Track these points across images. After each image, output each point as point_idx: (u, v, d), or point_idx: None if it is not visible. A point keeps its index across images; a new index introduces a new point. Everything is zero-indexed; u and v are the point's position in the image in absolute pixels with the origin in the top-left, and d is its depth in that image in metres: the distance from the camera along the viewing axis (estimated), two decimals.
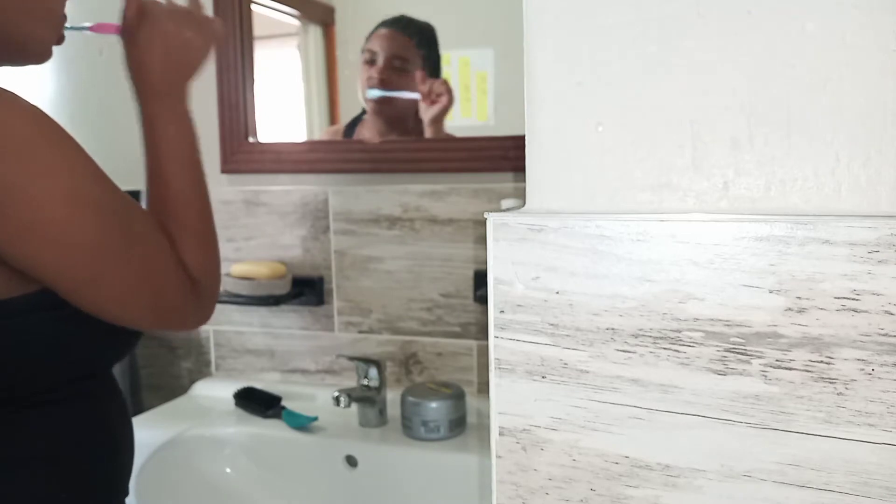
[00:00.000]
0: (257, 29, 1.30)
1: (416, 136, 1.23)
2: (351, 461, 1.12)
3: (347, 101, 1.29)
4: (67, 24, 0.72)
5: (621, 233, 0.40)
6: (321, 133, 1.32)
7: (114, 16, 0.76)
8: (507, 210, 0.44)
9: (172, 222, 0.71)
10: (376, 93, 1.23)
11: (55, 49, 0.71)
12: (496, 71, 1.19)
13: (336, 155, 1.26)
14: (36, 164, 0.56)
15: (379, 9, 1.23)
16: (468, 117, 1.22)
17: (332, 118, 1.32)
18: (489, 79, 1.20)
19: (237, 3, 1.27)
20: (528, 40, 0.43)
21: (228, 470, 1.18)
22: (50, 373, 0.64)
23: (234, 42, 1.28)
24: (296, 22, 1.34)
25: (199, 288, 0.71)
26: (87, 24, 0.77)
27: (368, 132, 1.26)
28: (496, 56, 1.19)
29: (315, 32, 1.32)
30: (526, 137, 0.44)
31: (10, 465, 0.63)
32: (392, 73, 1.23)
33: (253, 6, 1.29)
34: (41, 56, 0.70)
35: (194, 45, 0.74)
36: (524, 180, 0.44)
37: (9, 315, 0.60)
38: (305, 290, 1.28)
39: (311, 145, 1.29)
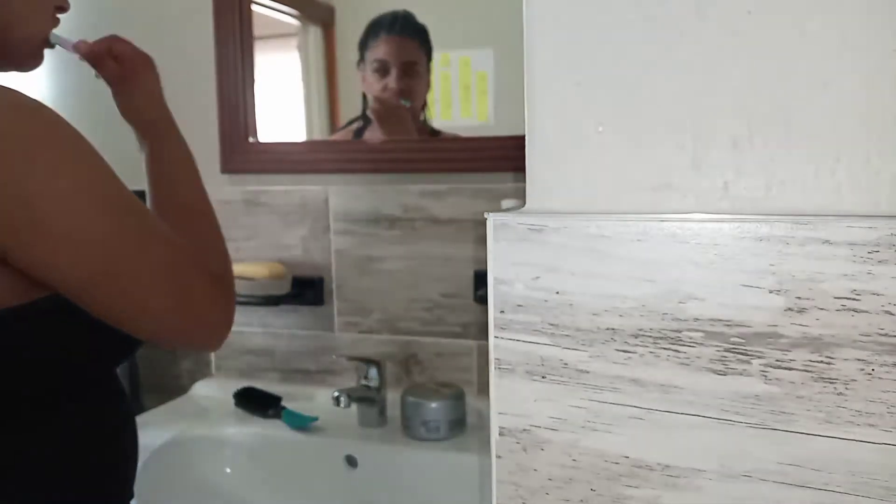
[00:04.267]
0: (257, 29, 1.30)
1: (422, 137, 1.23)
2: (351, 461, 1.12)
3: (347, 101, 1.29)
4: (57, 33, 0.71)
5: (621, 233, 0.40)
6: (330, 136, 1.32)
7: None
8: (507, 210, 0.44)
9: (184, 229, 0.71)
10: (403, 101, 1.23)
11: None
12: (496, 71, 1.19)
13: (336, 155, 1.26)
14: (45, 162, 0.55)
15: (379, 9, 1.23)
16: (468, 117, 1.22)
17: (333, 118, 1.32)
18: (489, 79, 1.20)
19: (237, 3, 1.27)
20: (528, 40, 0.43)
21: (228, 470, 1.18)
22: (54, 378, 0.63)
23: (234, 42, 1.28)
24: (296, 22, 1.34)
25: (220, 284, 0.69)
26: (73, 41, 0.76)
27: (394, 126, 1.25)
28: (496, 56, 1.19)
29: (315, 32, 1.32)
30: (526, 137, 0.44)
31: (15, 469, 0.62)
32: (408, 81, 1.23)
33: (253, 6, 1.29)
34: (32, 59, 0.69)
35: (154, 75, 0.81)
36: (524, 180, 0.44)
37: (13, 322, 0.59)
38: (305, 290, 1.28)
39: (311, 145, 1.29)
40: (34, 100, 0.57)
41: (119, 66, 0.78)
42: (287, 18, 1.34)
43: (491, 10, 1.18)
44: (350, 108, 1.29)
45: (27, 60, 0.69)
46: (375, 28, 1.23)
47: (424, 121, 1.24)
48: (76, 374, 0.65)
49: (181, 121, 0.80)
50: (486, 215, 0.43)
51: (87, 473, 0.67)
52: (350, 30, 1.27)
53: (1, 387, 0.60)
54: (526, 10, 0.43)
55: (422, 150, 1.21)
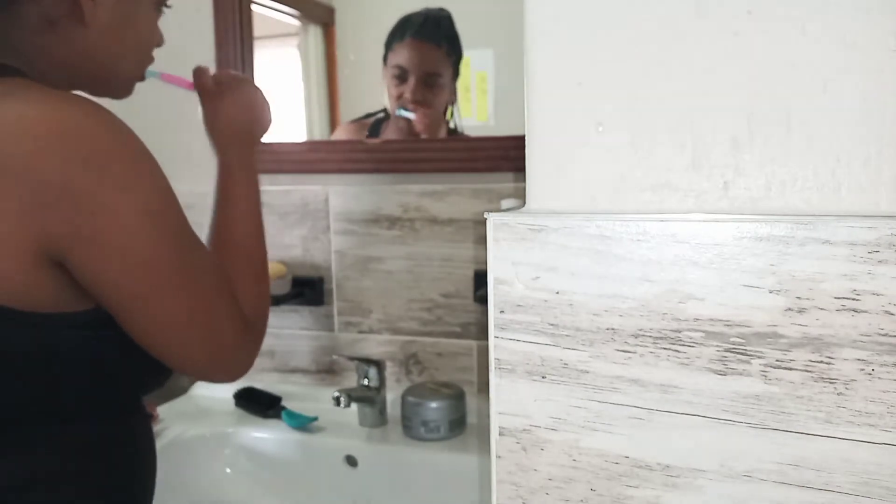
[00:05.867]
0: (257, 29, 1.30)
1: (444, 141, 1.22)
2: (351, 461, 1.12)
3: (347, 101, 1.29)
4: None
5: (621, 233, 0.40)
6: (343, 127, 1.30)
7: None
8: (507, 210, 0.44)
9: (231, 265, 0.74)
10: (408, 113, 1.21)
11: None
12: (496, 71, 1.19)
13: (336, 155, 1.26)
14: (115, 176, 0.57)
15: (379, 9, 1.23)
16: (468, 117, 1.22)
17: (333, 118, 1.32)
18: (489, 79, 1.20)
19: (237, 3, 1.27)
20: (528, 40, 0.43)
21: (228, 470, 1.18)
22: (84, 391, 0.64)
23: (234, 42, 1.28)
24: (296, 22, 1.34)
25: (251, 331, 0.72)
26: (159, 72, 0.82)
27: (395, 136, 1.25)
28: (496, 56, 1.19)
29: (315, 32, 1.32)
30: (526, 137, 0.44)
31: (40, 480, 0.62)
32: (425, 92, 1.21)
33: (253, 6, 1.29)
34: (126, 92, 0.74)
35: (266, 108, 0.87)
36: (524, 180, 0.44)
37: (54, 329, 0.59)
38: (305, 290, 1.28)
39: (312, 145, 1.29)
40: (112, 114, 0.59)
41: (216, 85, 0.85)
42: (287, 18, 1.34)
43: (491, 10, 1.18)
44: (350, 109, 1.29)
45: (122, 93, 0.74)
46: (402, 27, 1.20)
47: (448, 125, 1.23)
48: (106, 392, 0.65)
49: (181, 120, 0.80)
50: (486, 215, 0.43)
51: (110, 486, 0.68)
52: (350, 30, 1.27)
53: (39, 386, 0.60)
54: (526, 10, 0.43)
55: (422, 150, 1.21)
